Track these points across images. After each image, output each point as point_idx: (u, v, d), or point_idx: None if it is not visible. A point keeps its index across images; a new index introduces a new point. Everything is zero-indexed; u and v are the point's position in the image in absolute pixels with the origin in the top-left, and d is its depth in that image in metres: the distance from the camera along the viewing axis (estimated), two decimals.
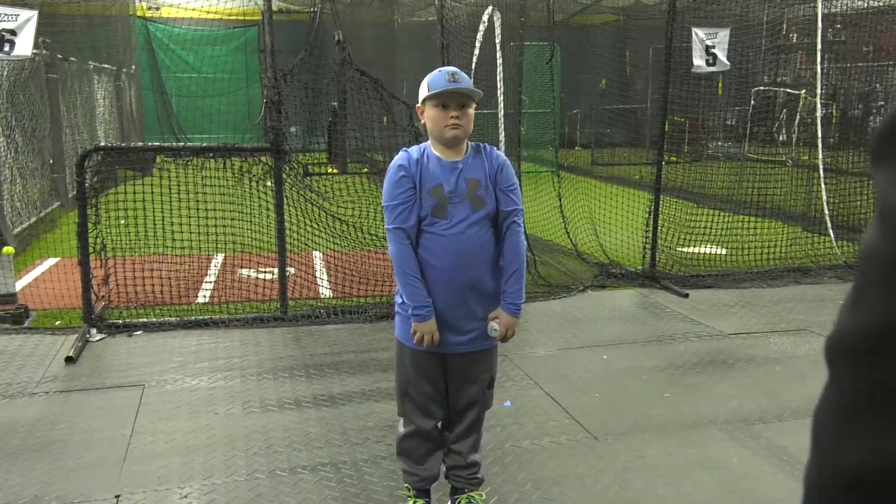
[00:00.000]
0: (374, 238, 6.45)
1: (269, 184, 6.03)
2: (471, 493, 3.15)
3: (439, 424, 3.13)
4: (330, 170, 10.64)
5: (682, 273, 7.34)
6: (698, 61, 7.01)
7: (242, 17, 18.43)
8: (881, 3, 7.91)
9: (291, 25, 18.96)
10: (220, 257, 7.40)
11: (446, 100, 2.83)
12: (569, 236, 8.09)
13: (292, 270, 6.39)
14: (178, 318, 5.87)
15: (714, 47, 6.99)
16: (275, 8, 5.37)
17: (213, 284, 6.73)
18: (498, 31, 6.85)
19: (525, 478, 3.55)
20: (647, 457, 3.76)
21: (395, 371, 3.11)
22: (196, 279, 6.91)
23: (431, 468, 3.13)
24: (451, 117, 2.83)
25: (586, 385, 4.67)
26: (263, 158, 5.86)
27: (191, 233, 6.28)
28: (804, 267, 7.61)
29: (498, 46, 6.88)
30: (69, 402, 4.41)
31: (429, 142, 2.95)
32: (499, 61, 6.87)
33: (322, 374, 4.90)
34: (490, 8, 6.77)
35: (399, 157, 2.89)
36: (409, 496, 3.16)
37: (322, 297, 6.51)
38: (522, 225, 2.98)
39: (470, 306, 2.90)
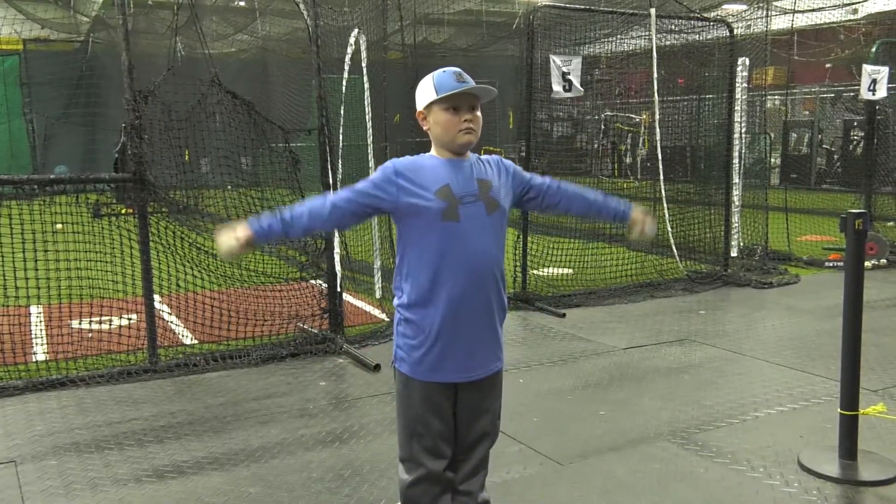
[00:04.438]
0: (252, 273, 5.89)
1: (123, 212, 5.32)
2: None
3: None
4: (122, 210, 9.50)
5: (550, 294, 7.45)
6: (557, 87, 7.21)
7: None
8: (697, 38, 8.64)
9: (56, 55, 17.44)
10: (64, 306, 6.39)
11: (457, 102, 2.59)
12: None
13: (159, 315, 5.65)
14: (23, 380, 4.97)
15: (569, 73, 7.23)
16: (33, 35, 4.75)
17: (59, 338, 5.74)
18: (364, 53, 6.62)
19: None
20: (619, 477, 3.65)
21: (398, 411, 2.76)
22: (24, 334, 5.93)
23: None
24: (465, 121, 2.59)
25: (521, 411, 4.51)
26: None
27: (19, 279, 5.35)
28: (654, 282, 8.03)
29: (364, 70, 6.64)
30: None
31: (431, 151, 2.68)
32: (366, 85, 6.63)
33: (229, 426, 4.32)
34: (356, 30, 6.52)
35: (392, 163, 2.62)
36: None
37: (191, 342, 5.83)
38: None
39: (489, 322, 2.67)
